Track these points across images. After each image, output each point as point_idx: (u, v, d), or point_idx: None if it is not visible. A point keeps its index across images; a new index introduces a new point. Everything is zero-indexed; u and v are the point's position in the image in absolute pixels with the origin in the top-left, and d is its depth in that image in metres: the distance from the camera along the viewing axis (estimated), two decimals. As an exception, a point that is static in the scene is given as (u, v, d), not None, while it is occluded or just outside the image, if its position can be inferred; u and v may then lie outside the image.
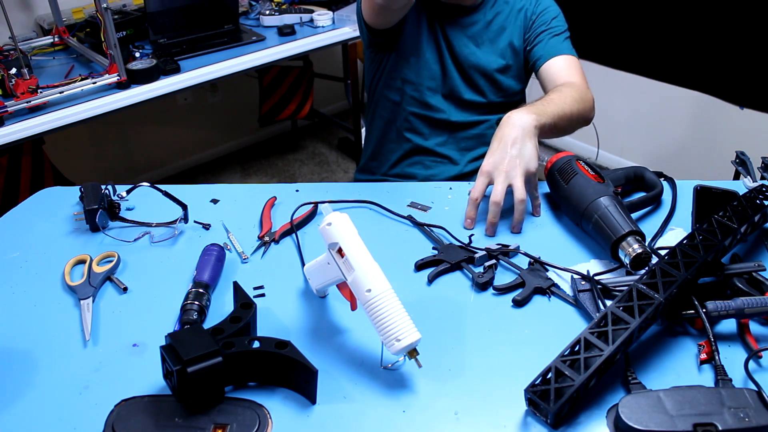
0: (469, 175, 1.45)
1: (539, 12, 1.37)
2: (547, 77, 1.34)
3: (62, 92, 1.78)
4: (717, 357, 0.78)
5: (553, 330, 0.86)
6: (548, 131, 1.14)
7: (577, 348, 0.74)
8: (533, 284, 0.92)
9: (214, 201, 1.16)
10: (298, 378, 0.76)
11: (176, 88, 1.98)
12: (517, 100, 1.46)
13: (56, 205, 1.14)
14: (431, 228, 1.06)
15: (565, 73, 1.32)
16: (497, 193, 1.03)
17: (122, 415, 0.72)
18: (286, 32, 2.25)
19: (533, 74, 1.43)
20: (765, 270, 0.89)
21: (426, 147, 1.44)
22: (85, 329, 0.86)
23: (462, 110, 1.42)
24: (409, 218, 1.09)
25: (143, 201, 1.14)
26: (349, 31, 2.32)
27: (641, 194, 1.13)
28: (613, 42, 2.22)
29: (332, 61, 3.15)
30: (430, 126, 1.43)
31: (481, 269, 0.97)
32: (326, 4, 2.43)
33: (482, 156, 1.46)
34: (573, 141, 3.01)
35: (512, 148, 1.06)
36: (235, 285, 0.87)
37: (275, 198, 1.15)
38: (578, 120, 1.25)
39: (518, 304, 0.90)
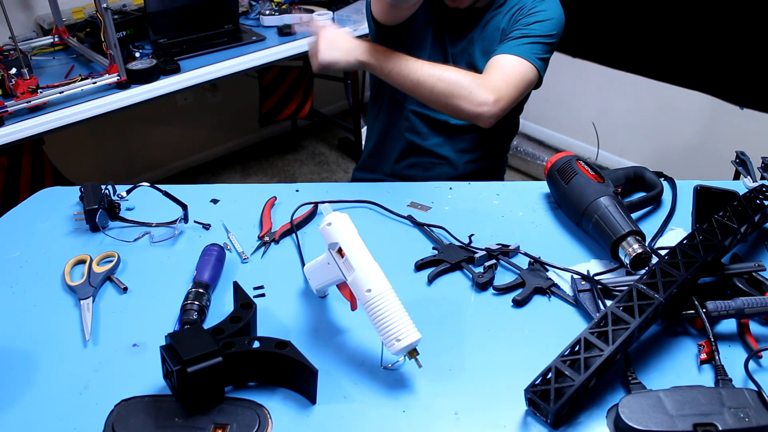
0: (467, 177, 1.45)
1: (527, 12, 1.32)
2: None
3: (62, 92, 1.78)
4: (717, 357, 0.78)
5: (553, 330, 0.86)
6: (381, 75, 1.23)
7: (577, 348, 0.74)
8: (533, 284, 0.92)
9: (214, 201, 1.16)
10: (298, 378, 0.76)
11: (176, 88, 1.98)
12: None
13: (56, 205, 1.14)
14: (431, 228, 1.06)
15: (491, 68, 1.25)
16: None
17: (122, 415, 0.72)
18: (286, 32, 2.25)
19: None
20: (765, 270, 0.89)
21: (424, 147, 1.44)
22: (85, 329, 0.86)
23: None
24: (409, 218, 1.09)
25: (143, 201, 1.14)
26: (349, 31, 2.32)
27: (641, 194, 1.13)
28: (613, 42, 2.22)
29: (332, 61, 3.15)
30: (429, 126, 1.43)
31: (481, 269, 0.97)
32: (326, 4, 2.43)
33: (480, 158, 1.47)
34: (573, 141, 3.01)
35: (332, 37, 1.24)
36: (235, 285, 0.87)
37: (275, 198, 1.15)
38: (438, 100, 1.21)
39: (518, 304, 0.90)
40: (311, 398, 0.75)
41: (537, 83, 1.31)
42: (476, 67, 1.37)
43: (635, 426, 0.67)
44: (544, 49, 1.29)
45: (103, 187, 1.09)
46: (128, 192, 1.12)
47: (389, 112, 1.46)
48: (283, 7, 2.40)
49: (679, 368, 0.79)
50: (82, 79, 1.82)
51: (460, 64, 1.37)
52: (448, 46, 1.36)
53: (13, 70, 1.72)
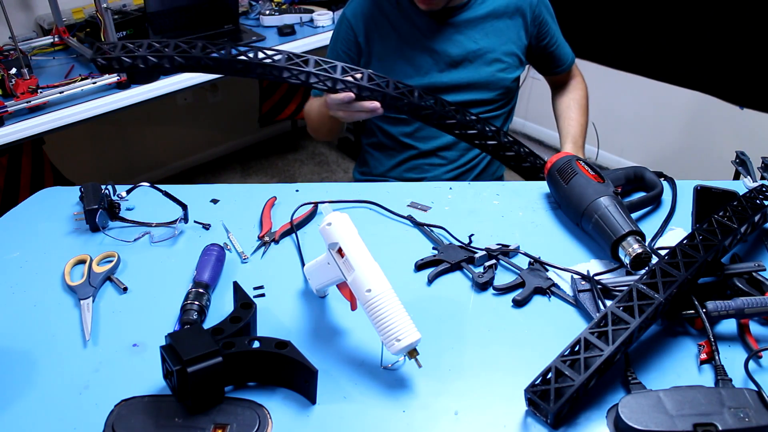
0: (466, 172, 1.45)
1: (546, 15, 1.39)
2: (561, 81, 1.58)
3: (62, 92, 1.78)
4: (717, 357, 0.78)
5: (553, 330, 0.86)
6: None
7: (577, 348, 0.74)
8: (533, 284, 0.92)
9: (214, 201, 1.16)
10: (298, 378, 0.76)
11: (176, 88, 1.98)
12: (513, 87, 1.46)
13: (56, 205, 1.14)
14: (431, 228, 1.06)
15: (574, 77, 1.59)
16: None
17: (122, 415, 0.72)
18: (286, 32, 2.25)
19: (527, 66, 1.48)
20: (765, 270, 0.89)
21: (426, 150, 1.44)
22: (85, 329, 0.86)
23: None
24: (409, 218, 1.09)
25: (143, 201, 1.14)
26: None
27: (641, 194, 1.13)
28: (613, 42, 2.22)
29: (332, 61, 3.15)
30: (431, 128, 1.42)
31: (481, 269, 0.97)
32: (326, 4, 2.43)
33: (478, 153, 1.46)
34: (573, 141, 3.00)
35: None
36: (235, 285, 0.87)
37: (275, 198, 1.15)
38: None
39: (518, 304, 0.90)
40: (311, 398, 0.75)
41: None
42: (471, 64, 1.37)
43: (635, 426, 0.67)
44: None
45: (103, 187, 1.09)
46: (128, 192, 1.12)
47: (386, 117, 1.45)
48: (283, 7, 2.40)
49: (679, 368, 0.79)
50: (82, 79, 1.82)
51: (454, 60, 1.36)
52: (432, 48, 1.35)
53: (13, 70, 1.72)
